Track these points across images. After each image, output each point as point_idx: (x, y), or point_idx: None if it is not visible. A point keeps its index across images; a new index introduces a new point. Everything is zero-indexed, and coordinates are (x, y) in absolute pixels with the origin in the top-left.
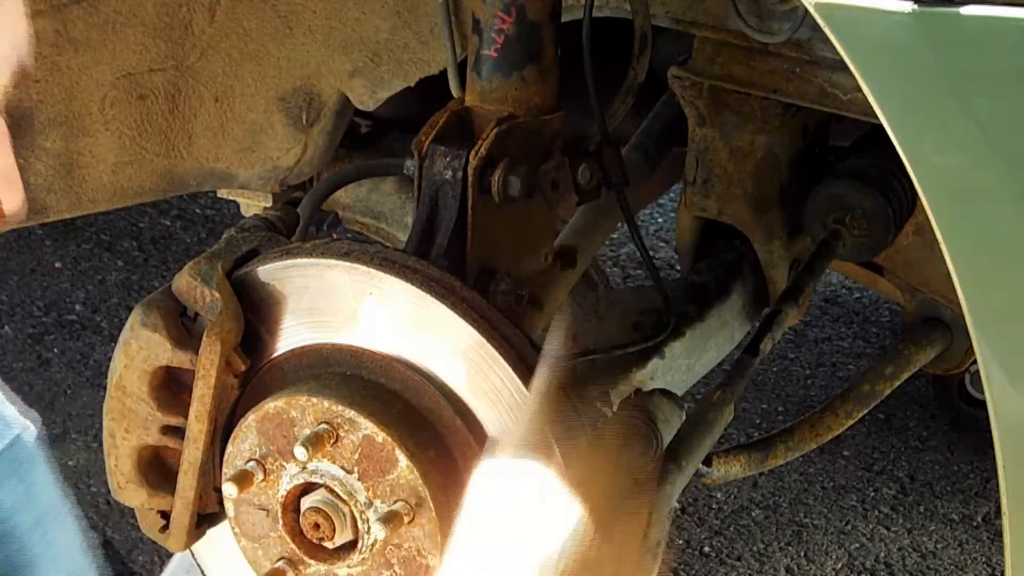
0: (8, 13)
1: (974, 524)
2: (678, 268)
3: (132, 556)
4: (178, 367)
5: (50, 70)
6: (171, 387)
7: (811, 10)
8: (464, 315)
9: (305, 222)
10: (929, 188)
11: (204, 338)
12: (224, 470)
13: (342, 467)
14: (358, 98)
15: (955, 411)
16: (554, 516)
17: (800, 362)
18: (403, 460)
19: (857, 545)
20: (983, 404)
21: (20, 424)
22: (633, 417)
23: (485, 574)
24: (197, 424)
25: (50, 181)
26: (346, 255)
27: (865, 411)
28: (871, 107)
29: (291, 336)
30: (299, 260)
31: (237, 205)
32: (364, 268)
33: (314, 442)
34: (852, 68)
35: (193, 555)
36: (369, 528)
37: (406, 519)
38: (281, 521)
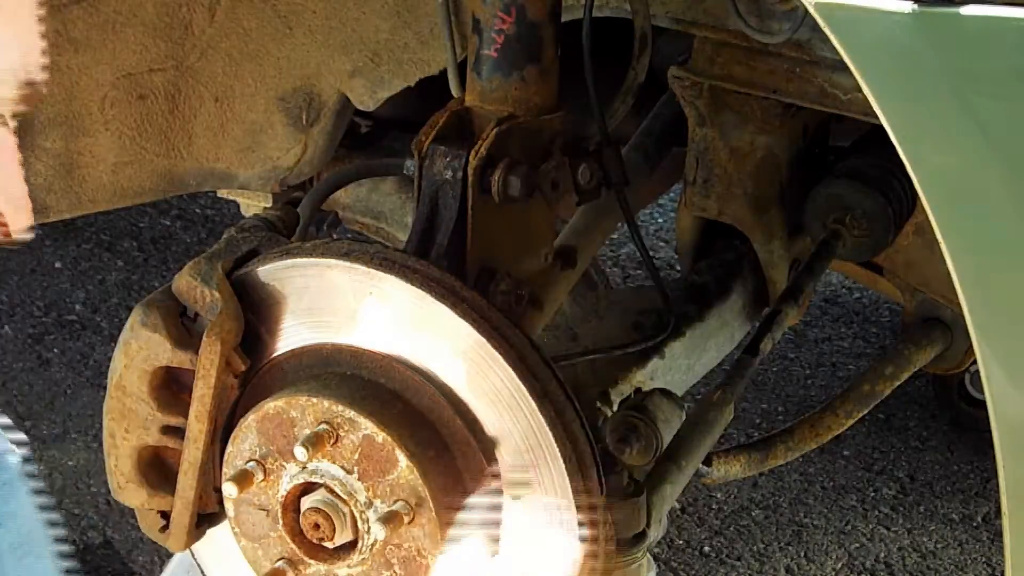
0: (19, 22)
1: (974, 524)
2: (678, 268)
3: (132, 556)
4: (178, 367)
5: (50, 70)
6: (171, 387)
7: (811, 10)
8: (464, 315)
9: (305, 222)
10: (929, 188)
11: (204, 338)
12: (224, 470)
13: (342, 467)
14: (358, 98)
15: (955, 411)
16: None
17: (800, 362)
18: (403, 460)
19: (857, 545)
20: (983, 404)
21: (3, 445)
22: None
23: None
24: (197, 424)
25: (50, 181)
26: (346, 255)
27: (865, 411)
28: (871, 107)
29: (291, 336)
30: (299, 260)
31: (237, 205)
32: (364, 268)
33: (314, 442)
34: (852, 68)
35: (193, 555)
36: (369, 528)
37: (406, 519)
38: (281, 521)
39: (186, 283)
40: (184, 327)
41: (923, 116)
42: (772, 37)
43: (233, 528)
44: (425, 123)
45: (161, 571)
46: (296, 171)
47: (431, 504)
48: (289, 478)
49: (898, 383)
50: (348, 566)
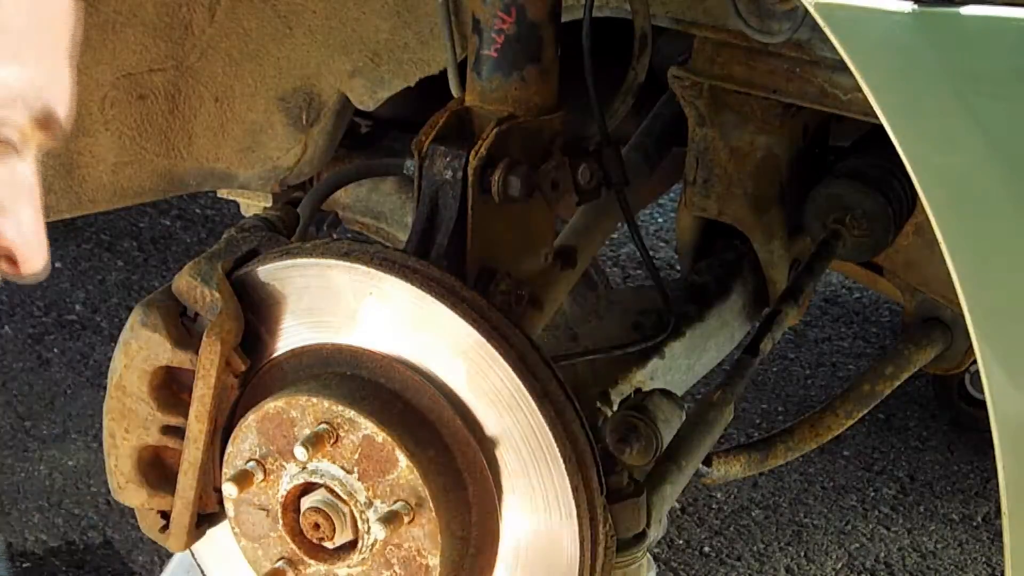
0: (47, 51)
1: (974, 524)
2: (678, 268)
3: (132, 556)
4: (178, 367)
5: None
6: (171, 387)
7: (811, 10)
8: (464, 315)
9: (305, 222)
10: (929, 188)
11: (204, 338)
12: (224, 470)
13: (342, 467)
14: (358, 98)
15: (955, 411)
16: None
17: (800, 362)
18: (403, 460)
19: (857, 545)
20: (983, 404)
21: None
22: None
23: None
24: (197, 424)
25: (50, 181)
26: (346, 255)
27: (865, 411)
28: (871, 107)
29: (291, 336)
30: (299, 260)
31: (237, 205)
32: (364, 268)
33: (314, 442)
34: (852, 68)
35: (193, 555)
36: (369, 528)
37: (406, 519)
38: (281, 521)
39: (186, 283)
40: (184, 327)
41: (923, 116)
42: (772, 37)
43: (233, 528)
44: (425, 123)
45: (161, 571)
46: (296, 171)
47: (431, 504)
48: (289, 478)
49: (898, 383)
50: (348, 566)
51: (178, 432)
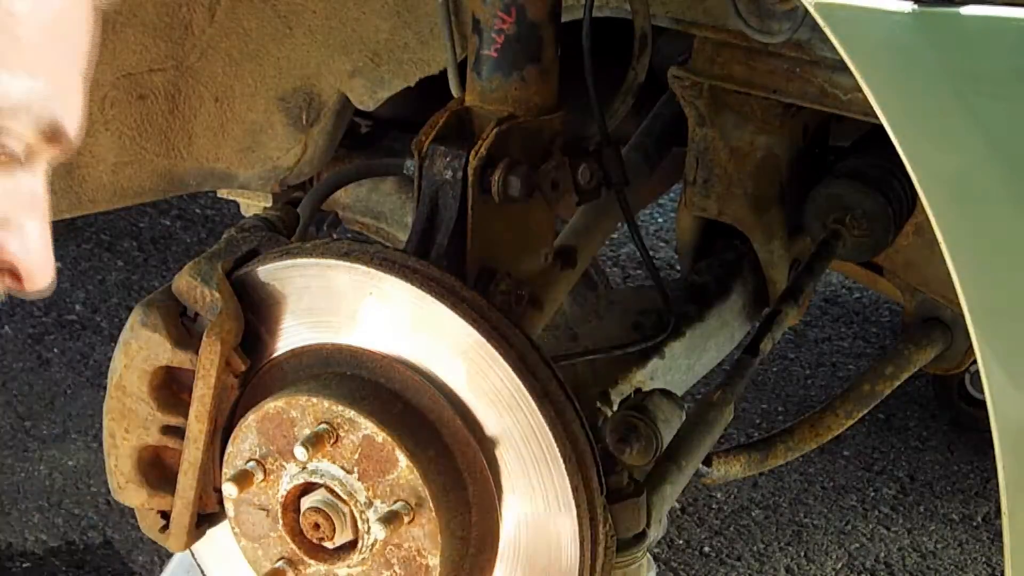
0: (61, 63)
1: (974, 524)
2: (678, 268)
3: (132, 556)
4: (178, 367)
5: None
6: (171, 387)
7: (811, 10)
8: (464, 315)
9: (305, 222)
10: (929, 188)
11: (204, 338)
12: (224, 470)
13: (342, 467)
14: (358, 98)
15: (955, 411)
16: None
17: (800, 362)
18: (403, 460)
19: (857, 545)
20: (983, 404)
21: None
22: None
23: None
24: (197, 424)
25: (50, 181)
26: (346, 255)
27: (865, 411)
28: (871, 107)
29: (291, 336)
30: (299, 260)
31: (237, 205)
32: (364, 268)
33: (314, 442)
34: (852, 68)
35: (193, 555)
36: (369, 528)
37: (406, 519)
38: (281, 521)
39: (186, 283)
40: (184, 327)
41: (923, 116)
42: (772, 37)
43: (233, 528)
44: (425, 123)
45: (161, 571)
46: (296, 171)
47: (431, 504)
48: (289, 478)
49: (898, 383)
50: (348, 566)
51: (178, 432)
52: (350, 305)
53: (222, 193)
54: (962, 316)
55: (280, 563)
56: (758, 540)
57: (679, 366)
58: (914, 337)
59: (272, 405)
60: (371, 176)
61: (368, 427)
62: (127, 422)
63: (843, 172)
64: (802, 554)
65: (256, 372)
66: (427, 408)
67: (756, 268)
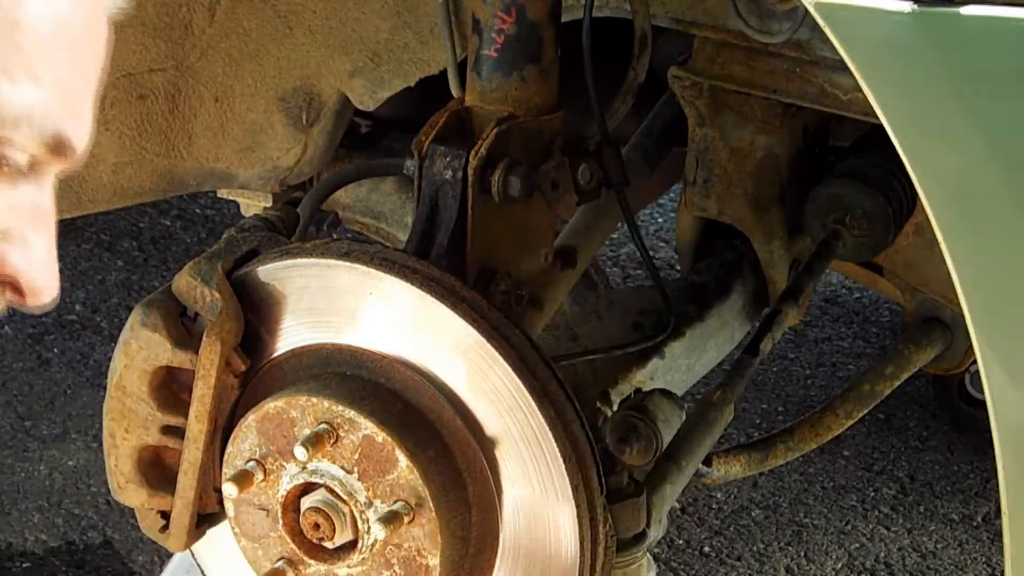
0: (71, 76)
1: (974, 524)
2: (678, 268)
3: (132, 556)
4: (178, 367)
5: None
6: (171, 387)
7: (811, 10)
8: (464, 315)
9: (305, 222)
10: (929, 188)
11: (204, 338)
12: (224, 470)
13: (342, 467)
14: (358, 98)
15: (955, 411)
16: None
17: (800, 362)
18: (403, 460)
19: (857, 545)
20: (983, 404)
21: None
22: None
23: None
24: (197, 424)
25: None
26: (346, 255)
27: (865, 411)
28: (871, 107)
29: (291, 336)
30: (299, 260)
31: (237, 205)
32: (364, 268)
33: (314, 442)
34: (852, 68)
35: (193, 555)
36: (369, 528)
37: (406, 519)
38: (281, 521)
39: (186, 283)
40: (184, 327)
41: (923, 116)
42: (772, 37)
43: (233, 528)
44: (425, 123)
45: (161, 571)
46: (296, 171)
47: (431, 504)
48: (289, 478)
49: (898, 383)
50: (348, 566)
51: (178, 432)
52: (350, 305)
53: (222, 193)
54: (962, 316)
55: (280, 563)
56: (758, 540)
57: (679, 366)
58: (914, 337)
59: (272, 405)
60: (371, 176)
61: (368, 427)
62: (127, 422)
63: (843, 172)
64: (802, 554)
65: (256, 372)
66: (427, 408)
67: (756, 268)
